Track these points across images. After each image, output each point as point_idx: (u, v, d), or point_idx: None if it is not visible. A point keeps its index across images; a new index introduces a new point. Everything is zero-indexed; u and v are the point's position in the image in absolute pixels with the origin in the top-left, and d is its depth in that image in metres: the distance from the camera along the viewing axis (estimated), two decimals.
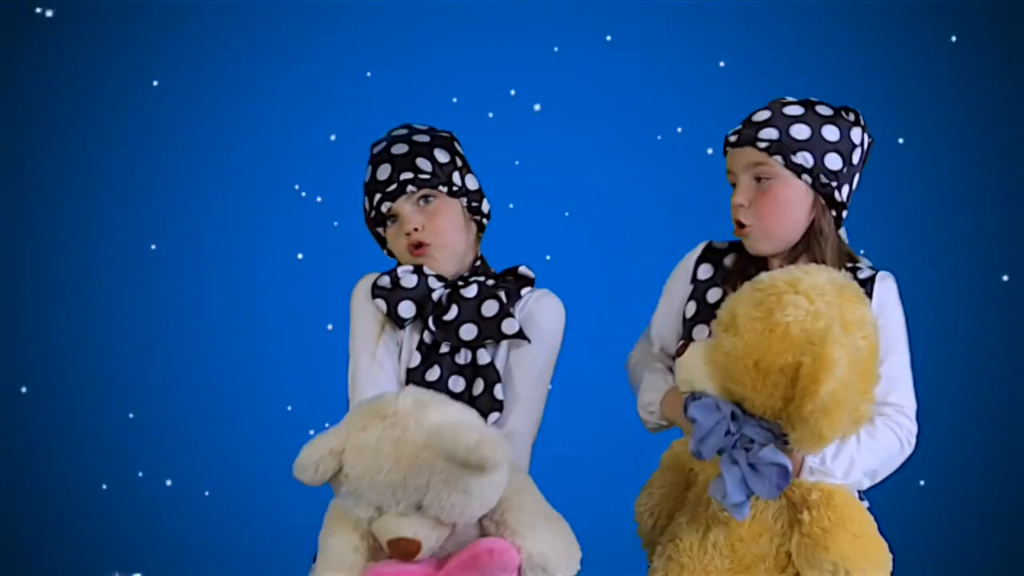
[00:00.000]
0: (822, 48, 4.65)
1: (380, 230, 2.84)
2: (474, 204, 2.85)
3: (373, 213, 2.81)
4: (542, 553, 2.43)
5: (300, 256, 4.67)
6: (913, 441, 2.66)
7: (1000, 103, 4.67)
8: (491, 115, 4.69)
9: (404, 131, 2.86)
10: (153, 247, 4.61)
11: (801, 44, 4.67)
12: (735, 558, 2.49)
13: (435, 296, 2.74)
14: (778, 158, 2.68)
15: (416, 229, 2.77)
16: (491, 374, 2.72)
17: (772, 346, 2.40)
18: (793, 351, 2.38)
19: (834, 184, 2.70)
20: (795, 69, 4.57)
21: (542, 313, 2.80)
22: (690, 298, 2.80)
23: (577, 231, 4.70)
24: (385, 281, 2.77)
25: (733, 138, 2.73)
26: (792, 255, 2.72)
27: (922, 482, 4.62)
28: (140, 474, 4.67)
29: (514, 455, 2.51)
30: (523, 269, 2.83)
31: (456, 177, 2.82)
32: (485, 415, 2.67)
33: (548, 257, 4.54)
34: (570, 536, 2.50)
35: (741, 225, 2.72)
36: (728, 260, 2.80)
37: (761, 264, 2.73)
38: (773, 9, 4.68)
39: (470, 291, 2.75)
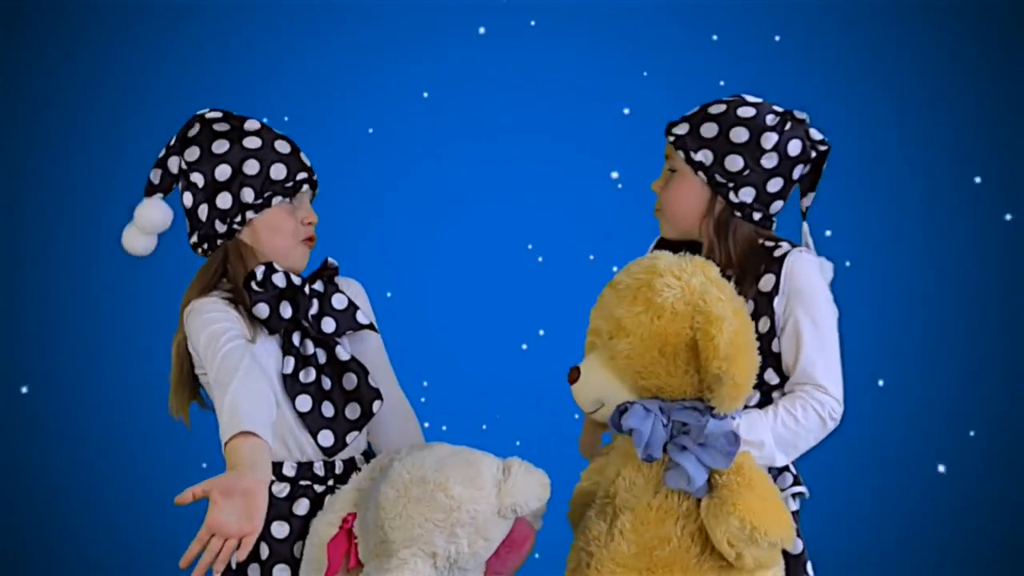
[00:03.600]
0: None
1: (277, 199, 2.71)
2: None
3: (290, 183, 2.71)
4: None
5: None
6: (837, 417, 2.68)
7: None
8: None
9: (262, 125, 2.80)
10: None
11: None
12: (640, 542, 2.52)
13: (306, 290, 2.73)
14: (680, 153, 2.77)
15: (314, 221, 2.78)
16: (358, 368, 2.73)
17: (668, 329, 2.50)
18: (688, 324, 2.50)
19: (731, 185, 2.76)
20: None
21: (364, 299, 2.84)
22: None
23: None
24: (258, 287, 2.70)
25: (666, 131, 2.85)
26: (707, 251, 2.78)
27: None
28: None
29: (416, 434, 2.80)
30: (332, 260, 2.81)
31: None
32: (369, 406, 2.72)
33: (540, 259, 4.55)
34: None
35: (656, 209, 2.84)
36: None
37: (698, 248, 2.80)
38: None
39: (318, 286, 2.76)
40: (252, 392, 2.48)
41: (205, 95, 4.64)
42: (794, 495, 2.75)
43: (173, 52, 4.68)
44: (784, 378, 2.72)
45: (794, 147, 2.78)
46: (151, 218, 2.80)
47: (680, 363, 2.51)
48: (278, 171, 2.71)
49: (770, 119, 2.77)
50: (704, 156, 2.76)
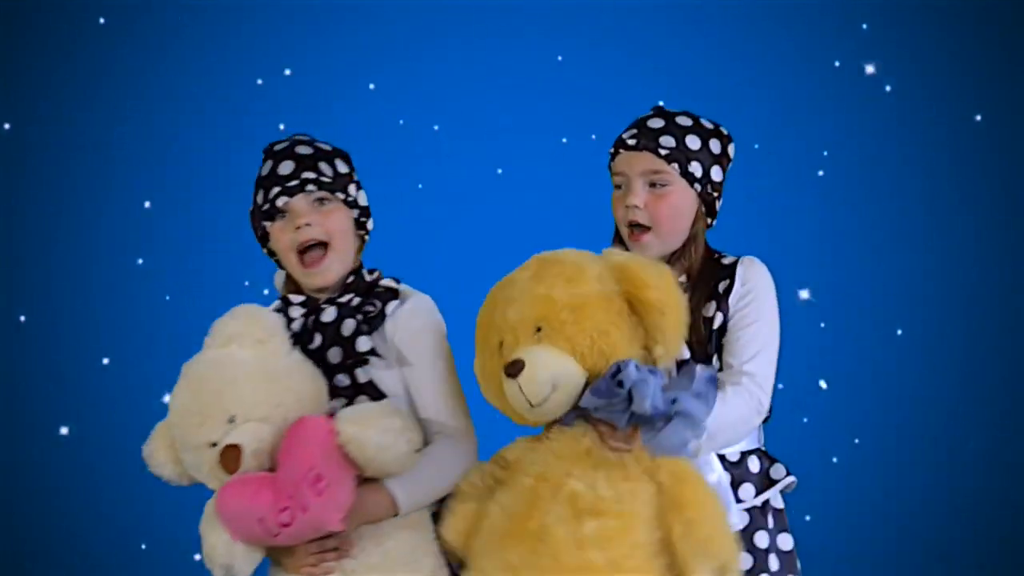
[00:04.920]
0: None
1: (267, 224, 2.80)
2: (362, 219, 2.86)
3: (266, 206, 2.77)
4: (350, 432, 2.58)
5: None
6: (764, 411, 2.72)
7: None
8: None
9: (306, 137, 2.86)
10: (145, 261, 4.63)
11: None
12: (614, 550, 2.46)
13: (294, 327, 2.77)
14: (675, 165, 2.77)
15: (308, 224, 2.76)
16: (372, 391, 2.74)
17: (600, 289, 2.51)
18: (614, 280, 2.53)
19: (715, 195, 2.82)
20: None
21: (415, 326, 2.79)
22: None
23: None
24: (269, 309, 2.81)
25: (631, 141, 2.80)
26: (671, 258, 2.81)
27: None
28: None
29: (464, 456, 2.72)
30: (386, 282, 2.83)
31: (351, 189, 2.83)
32: None
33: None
34: (392, 422, 2.60)
35: (637, 227, 2.79)
36: None
37: None
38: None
39: (328, 315, 2.77)
40: None
41: (205, 95, 4.65)
42: (784, 487, 2.81)
43: (173, 52, 4.68)
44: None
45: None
46: None
47: (625, 317, 2.50)
48: (260, 197, 2.80)
49: (724, 131, 2.85)
50: (696, 168, 2.79)
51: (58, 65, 4.68)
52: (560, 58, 4.73)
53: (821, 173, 4.72)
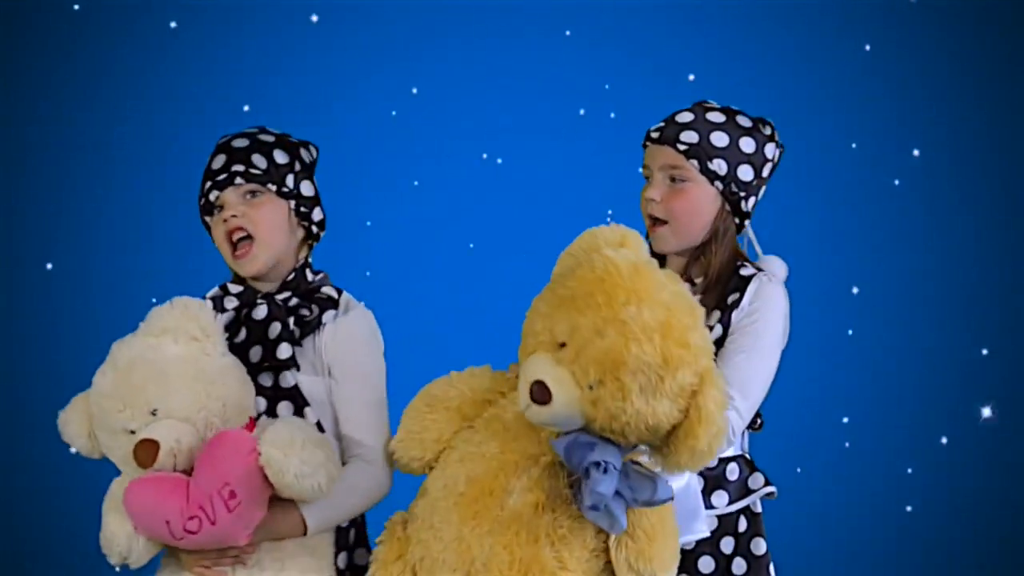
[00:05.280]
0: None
1: (208, 219, 2.83)
2: (303, 209, 2.82)
3: (203, 201, 2.80)
4: (273, 455, 2.51)
5: None
6: (734, 440, 2.70)
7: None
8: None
9: (255, 129, 2.86)
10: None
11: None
12: (562, 550, 2.45)
13: (223, 318, 2.75)
14: (694, 162, 2.76)
15: (235, 216, 2.76)
16: (296, 397, 2.73)
17: (664, 412, 2.35)
18: (682, 408, 2.35)
19: (742, 194, 2.79)
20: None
21: (350, 341, 2.77)
22: None
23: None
24: (209, 305, 2.78)
25: (655, 135, 2.81)
26: (692, 256, 2.80)
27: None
28: None
29: (376, 481, 2.69)
30: (327, 289, 2.79)
31: (290, 180, 2.79)
32: None
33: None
34: (316, 454, 2.54)
35: (654, 220, 2.79)
36: None
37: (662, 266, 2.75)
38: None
39: (260, 312, 2.75)
40: None
41: (205, 95, 4.65)
42: (763, 496, 2.78)
43: (173, 52, 4.69)
44: None
45: (777, 155, 2.85)
46: None
47: (660, 435, 2.38)
48: (201, 192, 2.82)
49: (767, 130, 2.82)
50: (719, 166, 2.77)
51: (58, 65, 4.69)
52: (568, 32, 4.72)
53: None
